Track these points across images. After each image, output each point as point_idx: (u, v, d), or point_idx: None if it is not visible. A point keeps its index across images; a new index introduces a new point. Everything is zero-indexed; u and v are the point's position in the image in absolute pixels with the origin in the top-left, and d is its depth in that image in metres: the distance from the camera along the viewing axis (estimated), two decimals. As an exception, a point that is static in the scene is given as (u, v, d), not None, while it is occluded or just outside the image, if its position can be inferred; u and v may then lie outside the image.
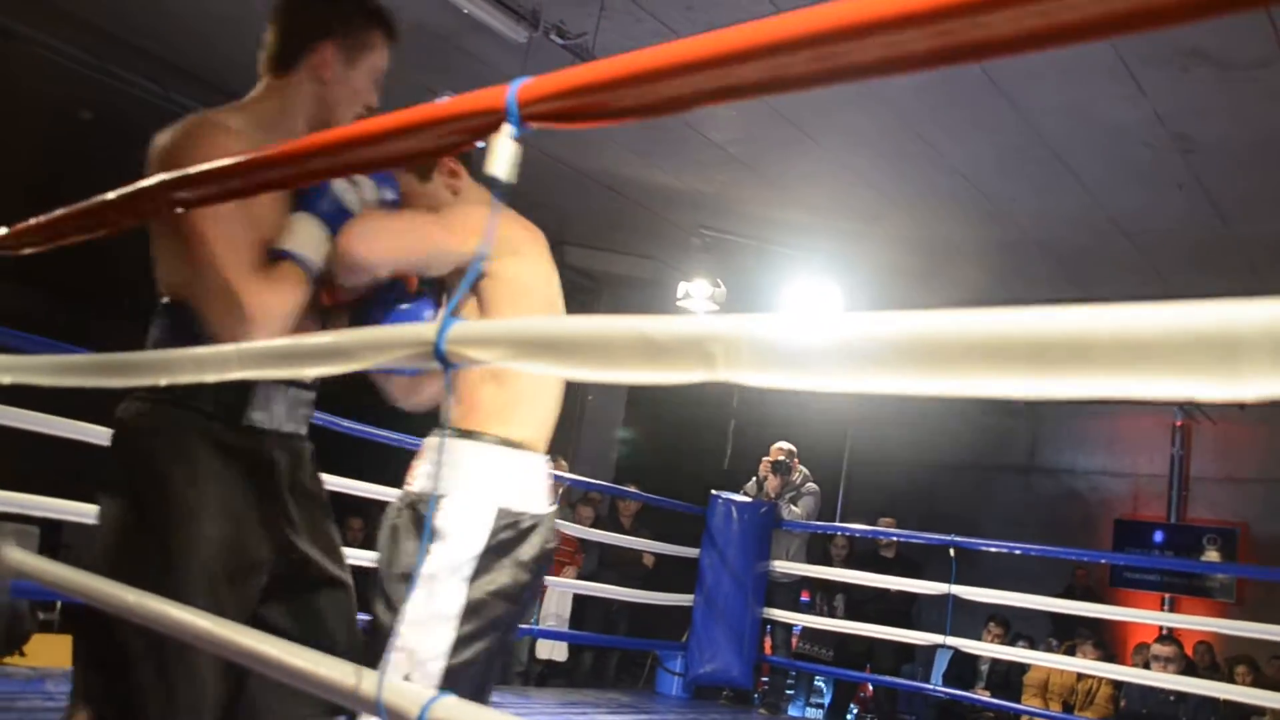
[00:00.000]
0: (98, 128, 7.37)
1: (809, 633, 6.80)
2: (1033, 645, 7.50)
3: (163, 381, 1.29)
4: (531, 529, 1.74)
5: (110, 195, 1.46)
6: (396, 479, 5.25)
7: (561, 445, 9.15)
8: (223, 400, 1.63)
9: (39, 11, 6.05)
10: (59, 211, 1.61)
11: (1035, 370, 0.58)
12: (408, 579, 1.66)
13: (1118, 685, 6.48)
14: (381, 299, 1.77)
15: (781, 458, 6.63)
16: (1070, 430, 9.98)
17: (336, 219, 1.68)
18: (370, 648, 1.66)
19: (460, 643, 1.63)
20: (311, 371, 1.01)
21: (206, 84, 6.77)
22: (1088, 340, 0.56)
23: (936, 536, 6.21)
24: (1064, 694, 6.71)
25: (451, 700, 0.84)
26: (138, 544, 1.57)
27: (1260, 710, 6.16)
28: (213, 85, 6.77)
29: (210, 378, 1.17)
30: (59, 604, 5.03)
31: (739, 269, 8.14)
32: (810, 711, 7.30)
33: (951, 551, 5.92)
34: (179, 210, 1.36)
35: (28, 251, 1.75)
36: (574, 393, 9.57)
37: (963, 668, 7.21)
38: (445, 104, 0.99)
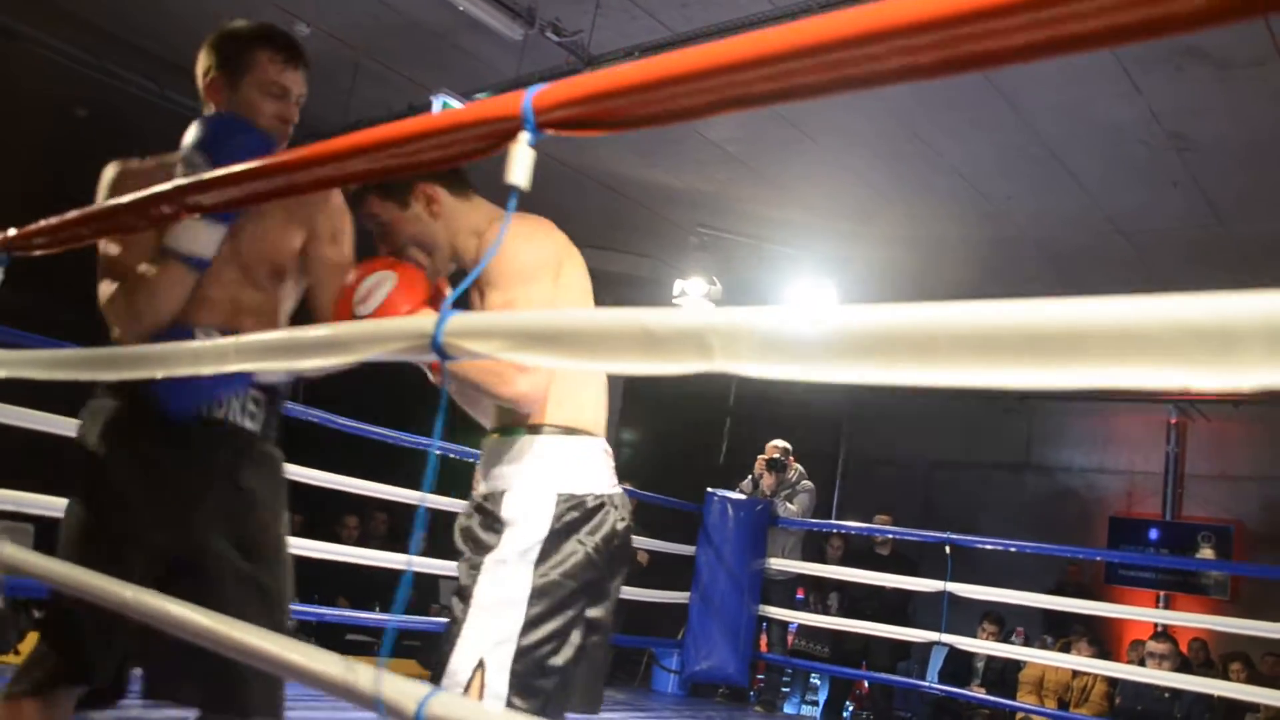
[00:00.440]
0: (95, 126, 7.36)
1: (805, 630, 6.81)
2: (1028, 642, 7.52)
3: (159, 374, 1.29)
4: (598, 508, 1.79)
5: (125, 199, 1.48)
6: (397, 478, 5.24)
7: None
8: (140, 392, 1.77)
9: (38, 10, 6.04)
10: (71, 214, 1.63)
11: (1030, 361, 0.59)
12: (478, 570, 1.71)
13: (1113, 682, 6.49)
14: None
15: (777, 455, 6.63)
16: (1065, 427, 10.00)
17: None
18: (441, 643, 1.72)
19: (529, 625, 1.67)
20: (309, 364, 1.02)
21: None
22: (1082, 330, 0.56)
23: (932, 534, 6.22)
24: (1059, 691, 6.73)
25: (447, 696, 0.84)
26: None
27: (1254, 707, 6.17)
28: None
29: (207, 370, 1.18)
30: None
31: (736, 268, 8.14)
32: (806, 709, 7.31)
33: (947, 549, 5.93)
34: (197, 214, 1.37)
35: (39, 253, 1.76)
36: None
37: (958, 665, 7.22)
38: (462, 111, 0.99)
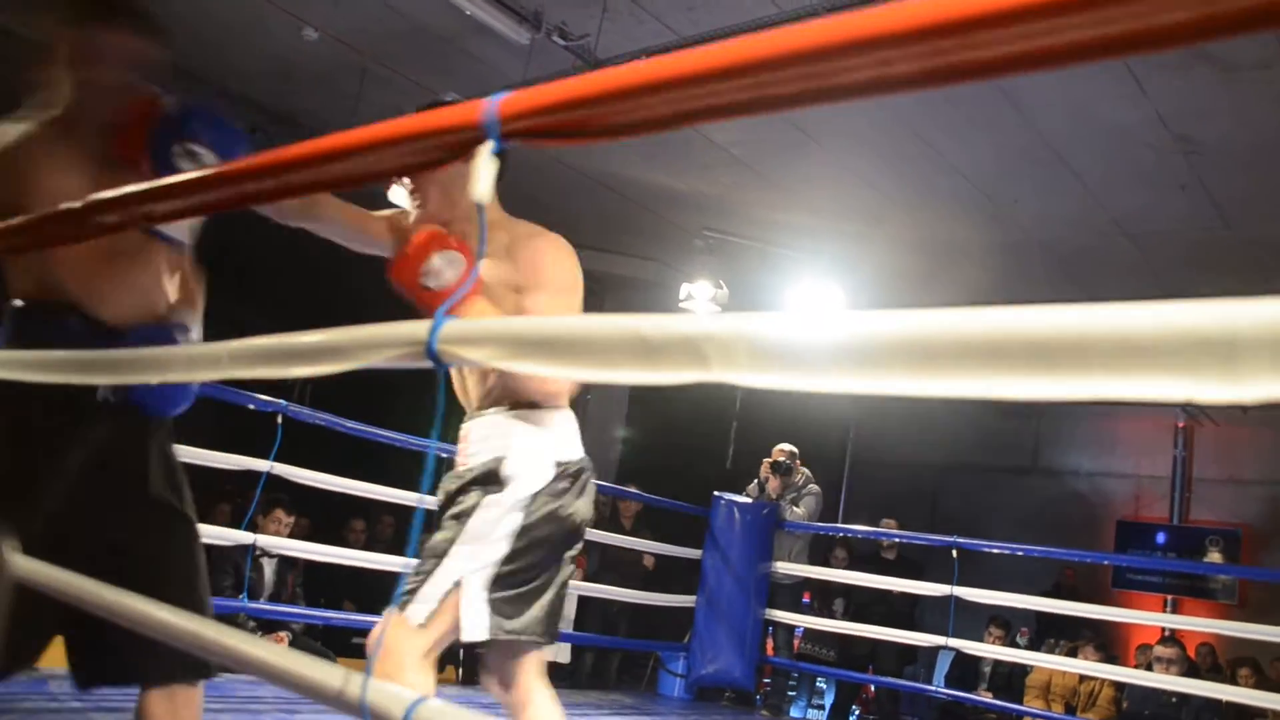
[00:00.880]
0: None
1: (811, 634, 6.80)
2: (1035, 645, 7.50)
3: (154, 380, 1.29)
4: (580, 471, 2.04)
5: (72, 205, 1.44)
6: (403, 481, 5.23)
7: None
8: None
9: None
10: (14, 221, 1.62)
11: (1032, 372, 0.58)
12: (479, 506, 1.93)
13: (1120, 687, 6.47)
14: None
15: (782, 459, 6.62)
16: (1072, 431, 9.97)
17: None
18: (427, 556, 1.92)
19: (510, 557, 1.90)
20: (303, 371, 1.01)
21: (210, 86, 6.78)
22: (1086, 341, 0.56)
23: (939, 538, 6.21)
24: (1066, 695, 6.70)
25: (436, 703, 0.84)
26: None
27: (1262, 712, 6.14)
28: (216, 88, 6.79)
29: (202, 376, 1.18)
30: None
31: (741, 271, 8.14)
32: (812, 713, 7.30)
33: (954, 553, 5.92)
34: (151, 224, 1.35)
35: (10, 253, 1.76)
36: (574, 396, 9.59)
37: (965, 669, 7.21)
38: (424, 118, 0.96)
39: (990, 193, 6.58)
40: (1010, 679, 7.01)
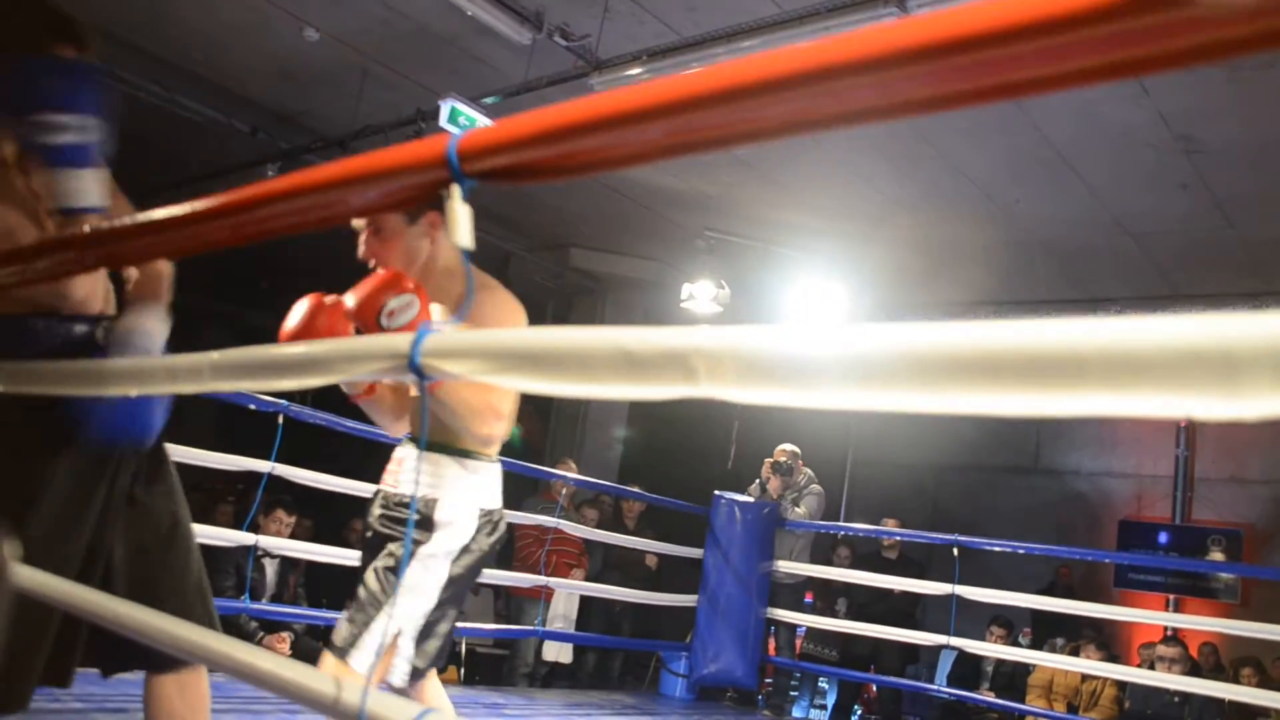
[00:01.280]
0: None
1: (814, 633, 6.79)
2: (1037, 644, 7.49)
3: (133, 393, 1.29)
4: (500, 520, 2.21)
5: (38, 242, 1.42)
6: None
7: (566, 446, 9.17)
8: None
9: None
10: (41, 239, 1.61)
11: (1029, 387, 0.57)
12: (413, 558, 2.07)
13: (1122, 686, 6.46)
14: None
15: (784, 459, 6.62)
16: (1074, 431, 9.95)
17: (84, 155, 1.76)
18: (366, 605, 2.05)
19: (439, 606, 2.08)
20: (287, 384, 1.00)
21: (212, 87, 6.79)
22: (1084, 357, 0.55)
23: (940, 536, 6.20)
24: (1068, 695, 6.70)
25: (436, 716, 0.83)
26: None
27: (1265, 711, 6.14)
28: (218, 89, 6.79)
29: (186, 389, 1.17)
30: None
31: (743, 271, 8.13)
32: (814, 712, 7.29)
33: (955, 552, 5.91)
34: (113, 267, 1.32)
35: None
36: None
37: (967, 668, 7.20)
38: (384, 154, 0.92)
39: (993, 193, 6.58)
40: (1012, 678, 7.00)
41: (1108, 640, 7.32)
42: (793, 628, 6.73)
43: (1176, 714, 6.14)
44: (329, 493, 4.84)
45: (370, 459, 5.57)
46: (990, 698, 6.71)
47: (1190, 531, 9.16)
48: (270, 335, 1.80)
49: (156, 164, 7.49)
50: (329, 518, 6.90)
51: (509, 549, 7.27)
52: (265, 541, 4.68)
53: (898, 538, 7.00)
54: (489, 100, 5.94)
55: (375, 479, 5.30)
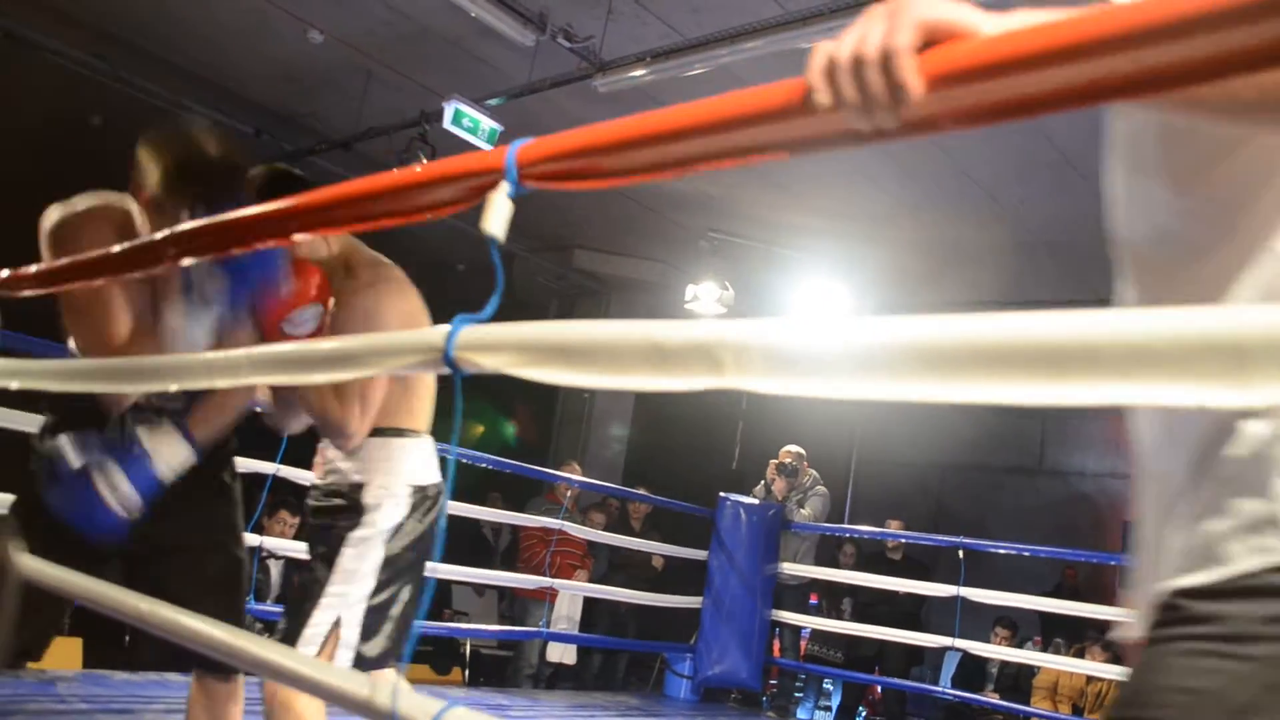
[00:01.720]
0: (110, 134, 7.40)
1: (818, 635, 6.79)
2: (1043, 647, 7.49)
3: (172, 388, 1.31)
4: (436, 495, 2.20)
5: (114, 249, 1.49)
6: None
7: (570, 448, 9.17)
8: (85, 424, 1.94)
9: (54, 20, 6.09)
10: (61, 262, 1.66)
11: (1043, 377, 0.57)
12: (344, 543, 2.09)
13: (1128, 688, 6.44)
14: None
15: (789, 460, 6.61)
16: (1079, 432, 9.94)
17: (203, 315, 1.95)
18: (302, 597, 2.09)
19: (378, 588, 2.08)
20: (319, 378, 1.02)
21: (217, 89, 6.80)
22: (1096, 347, 0.55)
23: (945, 538, 6.20)
24: (1074, 696, 6.69)
25: (461, 711, 0.84)
26: None
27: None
28: (223, 91, 6.81)
29: (221, 382, 1.18)
30: (69, 607, 5.05)
31: (747, 272, 8.14)
32: (819, 714, 7.28)
33: (960, 553, 5.91)
34: (179, 262, 1.37)
35: (27, 293, 1.77)
36: (578, 395, 9.54)
37: (971, 670, 7.19)
38: (446, 164, 1.00)
39: (998, 194, 6.58)
40: (1017, 680, 6.99)
41: (1113, 641, 7.31)
42: (797, 629, 6.72)
43: (1182, 715, 6.12)
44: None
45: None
46: (995, 699, 6.71)
47: (1195, 532, 9.14)
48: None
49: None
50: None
51: (513, 550, 7.28)
52: (270, 543, 4.68)
53: (902, 540, 7.00)
54: (493, 101, 5.95)
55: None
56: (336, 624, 2.03)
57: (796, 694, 7.04)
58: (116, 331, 1.91)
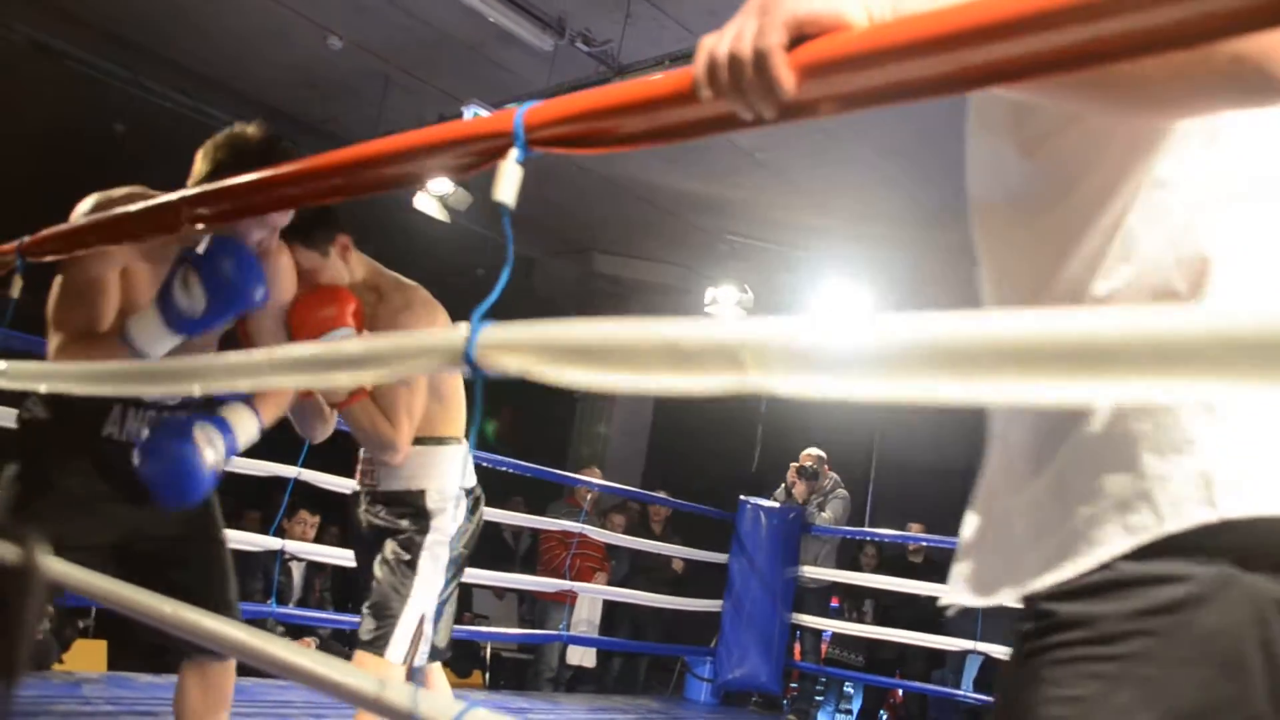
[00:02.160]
0: (131, 140, 7.47)
1: (839, 638, 6.77)
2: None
3: (196, 391, 1.32)
4: (479, 496, 2.42)
5: (132, 208, 1.51)
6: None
7: (591, 452, 9.17)
8: (83, 418, 2.03)
9: (75, 27, 6.14)
10: (81, 222, 1.69)
11: (1073, 376, 0.56)
12: (422, 548, 2.25)
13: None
14: None
15: (809, 463, 6.60)
16: (1102, 434, 9.87)
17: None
18: (385, 600, 2.22)
19: (447, 584, 2.28)
20: (342, 379, 1.03)
21: (236, 95, 6.84)
22: (1126, 344, 0.55)
23: (967, 542, 6.15)
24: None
25: (481, 712, 0.84)
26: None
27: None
28: (242, 97, 6.85)
29: (244, 385, 1.19)
30: (94, 610, 5.09)
31: (766, 275, 8.12)
32: (840, 718, 7.27)
33: (982, 557, 5.86)
34: (200, 225, 1.39)
35: (50, 259, 1.80)
36: (598, 398, 9.55)
37: (993, 673, 7.15)
38: (454, 126, 1.01)
39: (1016, 194, 6.53)
40: (1040, 684, 6.93)
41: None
42: (818, 633, 6.70)
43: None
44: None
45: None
46: (1018, 703, 6.65)
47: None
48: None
49: (182, 171, 7.54)
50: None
51: (533, 554, 7.28)
52: (292, 546, 4.70)
53: (924, 543, 6.96)
54: (512, 106, 5.95)
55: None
56: (421, 622, 2.20)
57: (817, 697, 7.01)
58: (105, 317, 1.97)
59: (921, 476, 10.40)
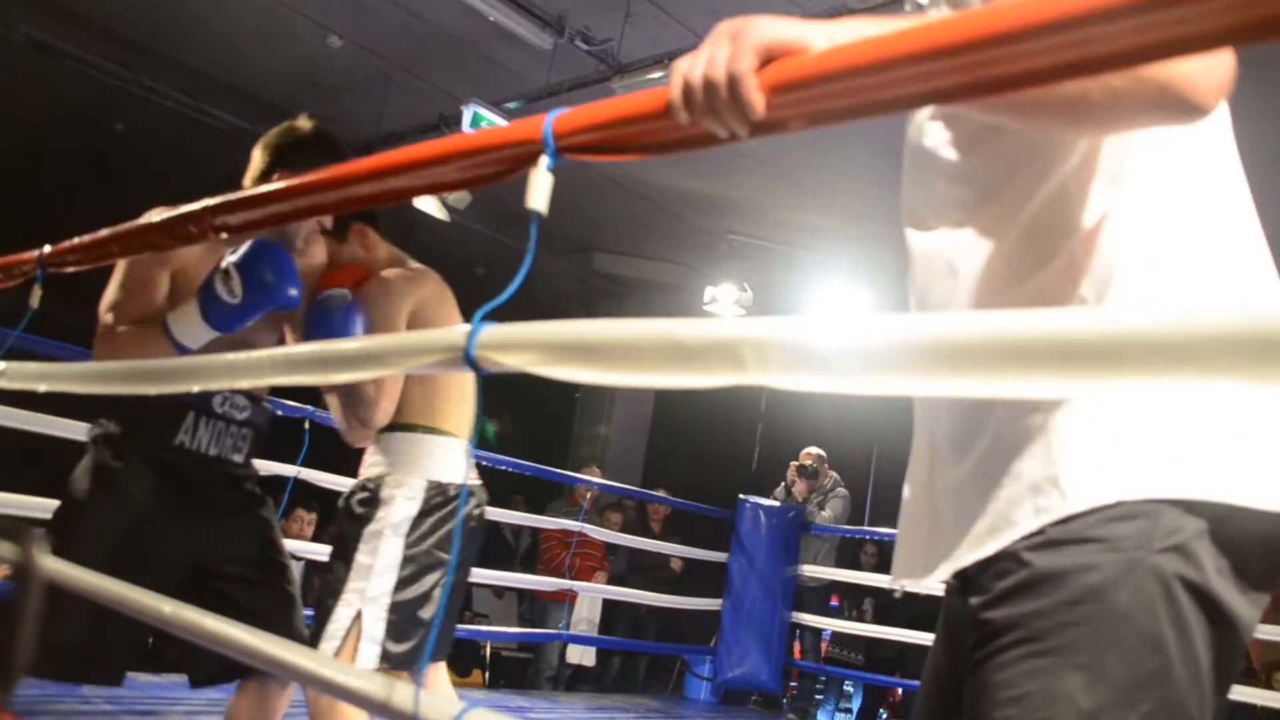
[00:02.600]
0: (133, 139, 7.48)
1: (839, 637, 6.76)
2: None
3: (194, 388, 1.32)
4: (455, 494, 2.18)
5: (155, 218, 1.51)
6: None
7: (591, 451, 9.18)
8: (156, 426, 2.09)
9: (76, 26, 6.14)
10: (103, 233, 1.68)
11: (1069, 373, 0.57)
12: (359, 539, 2.11)
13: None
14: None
15: (809, 462, 6.60)
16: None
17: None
18: (324, 595, 2.12)
19: (401, 583, 2.07)
20: (342, 377, 1.03)
21: (236, 94, 6.84)
22: (1120, 342, 0.55)
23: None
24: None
25: (481, 712, 0.85)
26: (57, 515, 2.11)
27: (1298, 716, 6.06)
28: (242, 96, 6.85)
29: (244, 383, 1.20)
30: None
31: (766, 274, 8.12)
32: (840, 716, 7.27)
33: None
34: (223, 235, 1.40)
35: (71, 270, 1.79)
36: (598, 396, 9.55)
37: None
38: (483, 135, 1.02)
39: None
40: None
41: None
42: (818, 631, 6.70)
43: (1207, 718, 6.07)
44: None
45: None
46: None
47: (1219, 534, 9.07)
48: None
49: (182, 170, 7.55)
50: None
51: (533, 553, 7.29)
52: (292, 545, 4.70)
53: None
54: (511, 105, 5.96)
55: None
56: (357, 618, 2.03)
57: (817, 696, 7.01)
58: (153, 311, 2.05)
59: (921, 475, 10.39)
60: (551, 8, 5.32)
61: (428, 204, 6.59)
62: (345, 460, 4.89)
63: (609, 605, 6.83)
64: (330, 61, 6.23)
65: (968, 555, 0.92)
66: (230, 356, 1.22)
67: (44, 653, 1.67)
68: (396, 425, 2.20)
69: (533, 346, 0.80)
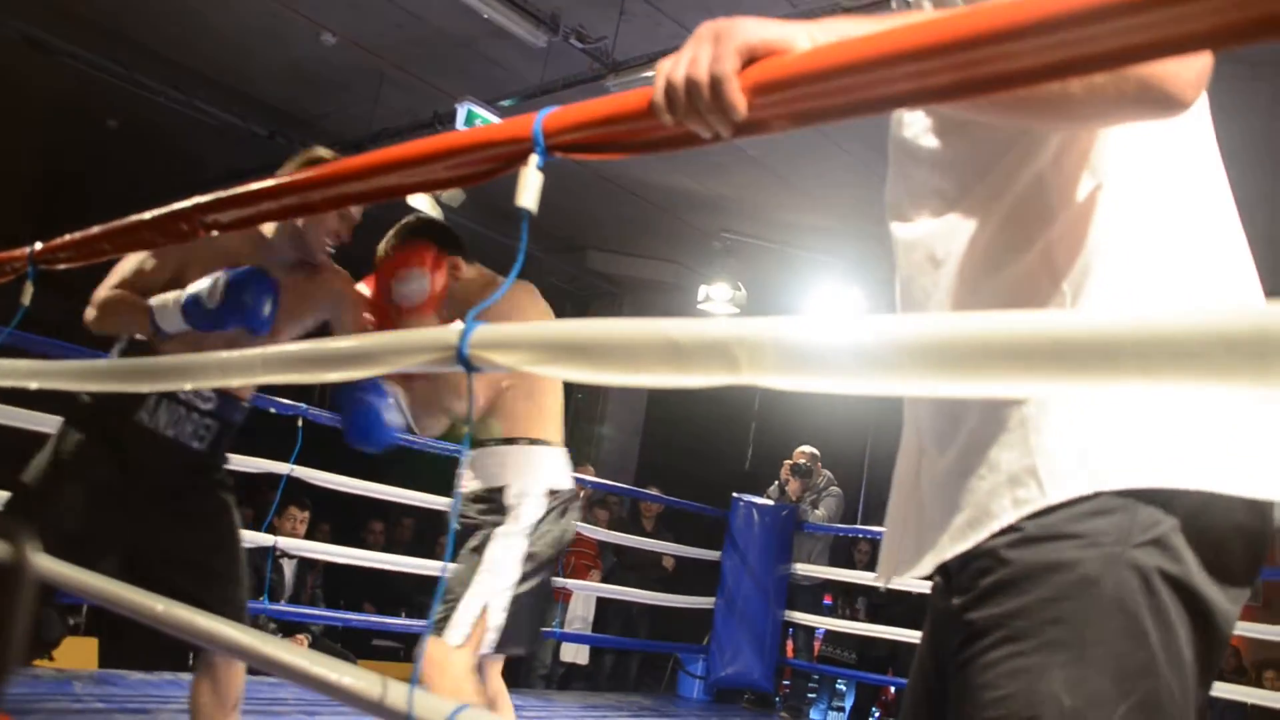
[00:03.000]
0: (126, 136, 7.45)
1: (832, 636, 6.77)
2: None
3: (187, 386, 1.32)
4: (569, 501, 2.48)
5: (145, 215, 1.51)
6: (423, 484, 5.25)
7: (584, 448, 9.17)
8: (121, 402, 2.14)
9: (70, 23, 6.12)
10: (94, 230, 1.68)
11: (1062, 373, 0.58)
12: (489, 539, 2.34)
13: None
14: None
15: (803, 461, 6.60)
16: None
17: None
18: (455, 586, 2.32)
19: (523, 578, 2.33)
20: (334, 376, 1.03)
21: (230, 91, 6.82)
22: (1113, 342, 0.55)
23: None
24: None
25: (473, 712, 0.85)
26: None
27: (1288, 715, 6.09)
28: (236, 93, 6.83)
29: (235, 381, 1.19)
30: (85, 607, 5.08)
31: (760, 273, 8.12)
32: (832, 715, 7.27)
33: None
34: (214, 233, 1.40)
35: (62, 267, 1.79)
36: (591, 395, 9.55)
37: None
38: (473, 133, 1.03)
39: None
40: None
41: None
42: (811, 630, 6.71)
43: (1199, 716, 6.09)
44: (347, 495, 4.85)
45: (387, 463, 5.59)
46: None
47: (1211, 533, 9.09)
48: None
49: (175, 167, 7.54)
50: (347, 520, 6.92)
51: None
52: (284, 543, 4.69)
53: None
54: (505, 103, 5.95)
55: (393, 482, 5.36)
56: (484, 610, 2.27)
57: (810, 695, 7.02)
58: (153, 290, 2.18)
59: (914, 474, 10.40)
60: (546, 6, 5.32)
61: (421, 201, 6.57)
62: (338, 459, 4.89)
63: (602, 603, 6.82)
64: (324, 59, 6.22)
65: (950, 548, 0.92)
66: (221, 355, 1.22)
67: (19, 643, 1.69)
68: (509, 439, 2.45)
69: (526, 345, 0.80)
